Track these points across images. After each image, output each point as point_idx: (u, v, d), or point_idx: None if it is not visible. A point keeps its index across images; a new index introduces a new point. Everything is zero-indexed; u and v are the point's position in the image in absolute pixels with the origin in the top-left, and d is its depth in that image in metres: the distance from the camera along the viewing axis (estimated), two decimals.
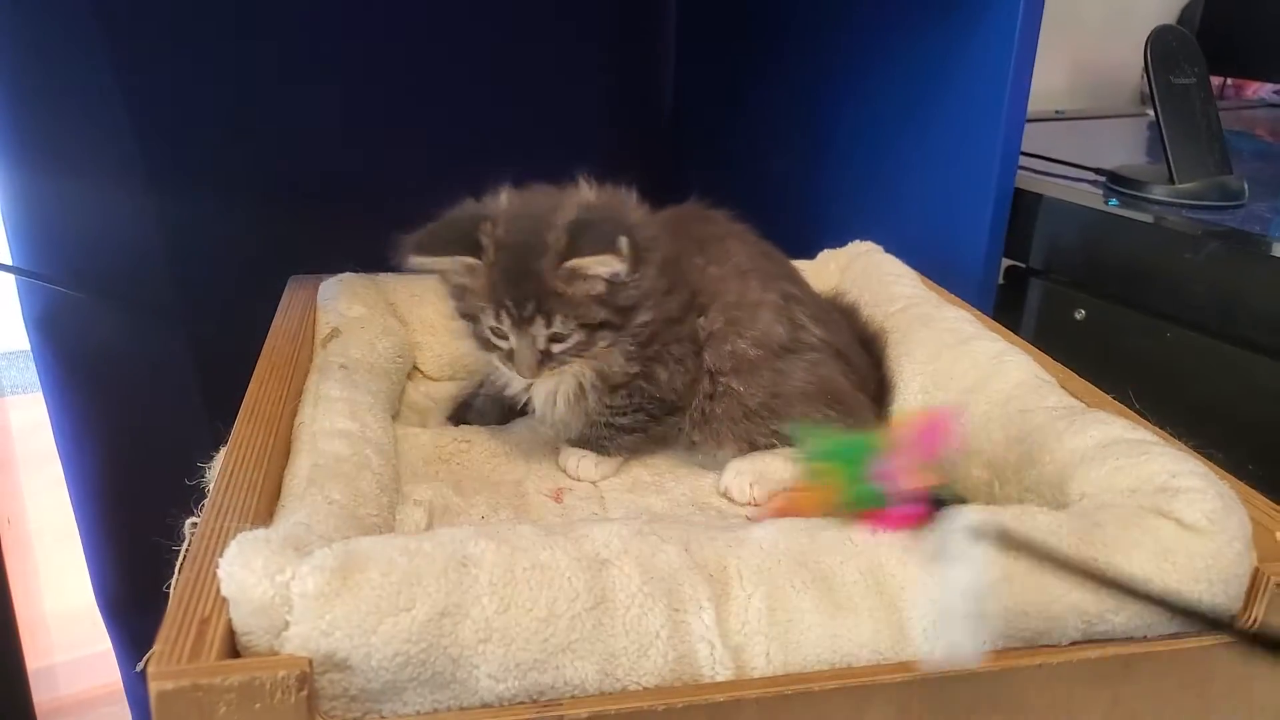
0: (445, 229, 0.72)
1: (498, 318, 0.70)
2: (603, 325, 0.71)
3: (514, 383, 0.78)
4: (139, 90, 1.12)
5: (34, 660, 1.11)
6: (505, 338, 0.71)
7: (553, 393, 0.77)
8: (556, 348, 0.71)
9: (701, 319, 0.77)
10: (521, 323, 0.70)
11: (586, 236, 0.69)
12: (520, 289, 0.69)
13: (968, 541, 0.49)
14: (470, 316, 0.73)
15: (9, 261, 1.10)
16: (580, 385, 0.76)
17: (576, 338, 0.71)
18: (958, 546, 0.49)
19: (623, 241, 0.68)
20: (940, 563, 0.50)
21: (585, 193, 0.75)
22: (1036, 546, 0.50)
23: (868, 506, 0.54)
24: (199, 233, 1.15)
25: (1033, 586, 0.51)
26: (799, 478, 0.60)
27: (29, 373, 1.19)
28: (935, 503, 0.52)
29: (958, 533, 0.49)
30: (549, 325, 0.70)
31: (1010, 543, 0.49)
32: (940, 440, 0.55)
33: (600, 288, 0.70)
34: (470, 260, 0.70)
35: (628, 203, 0.77)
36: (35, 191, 1.09)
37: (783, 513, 0.58)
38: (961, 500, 0.52)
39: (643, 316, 0.73)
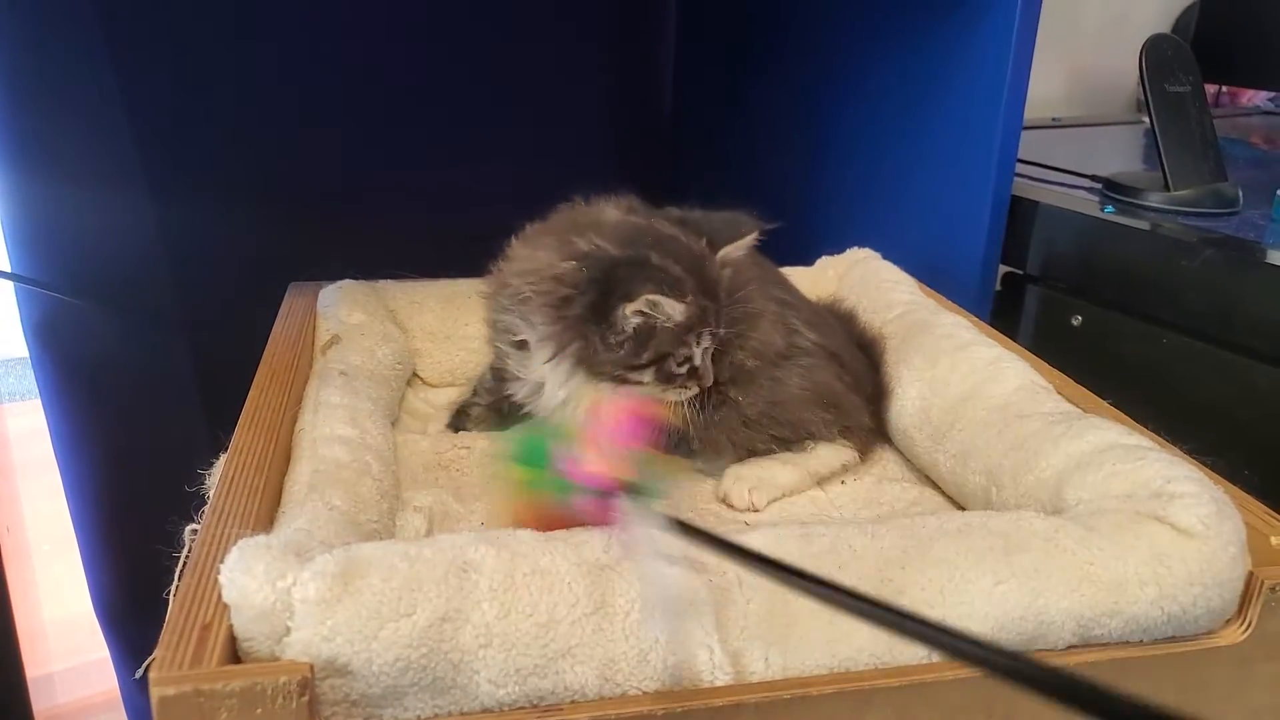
0: (647, 273, 0.67)
1: (699, 339, 0.69)
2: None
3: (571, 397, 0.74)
4: (139, 96, 1.12)
5: (32, 668, 1.11)
6: (691, 359, 0.70)
7: (572, 401, 0.74)
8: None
9: None
10: (715, 331, 0.70)
11: (715, 228, 0.71)
12: (717, 299, 0.70)
13: (651, 533, 0.48)
14: (659, 358, 0.69)
15: (8, 268, 1.10)
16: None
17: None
18: (644, 540, 0.48)
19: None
20: (636, 557, 0.49)
21: (614, 209, 0.75)
22: (710, 536, 0.48)
23: (557, 497, 0.53)
24: (198, 239, 1.16)
25: (1027, 592, 0.51)
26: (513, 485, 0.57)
27: (27, 380, 1.19)
28: (629, 493, 0.51)
29: (640, 525, 0.49)
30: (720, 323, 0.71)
31: (687, 533, 0.49)
32: (633, 431, 0.54)
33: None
34: (691, 296, 0.68)
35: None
36: (34, 198, 1.09)
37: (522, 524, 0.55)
38: (661, 492, 0.51)
39: None
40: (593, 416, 0.56)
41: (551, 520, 0.54)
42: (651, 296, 0.65)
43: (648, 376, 0.70)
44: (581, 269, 0.68)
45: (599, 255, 0.68)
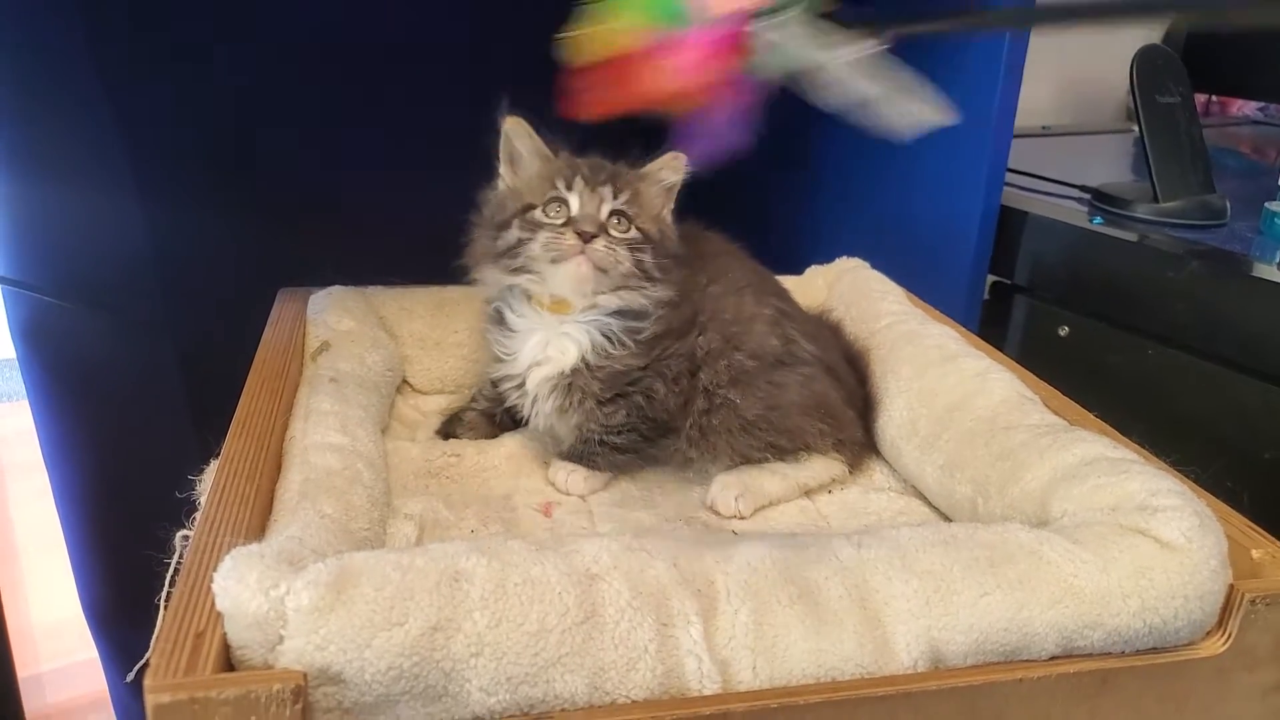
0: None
1: (569, 185, 0.75)
2: (641, 263, 0.75)
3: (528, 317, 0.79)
4: (128, 99, 1.12)
5: (21, 669, 1.11)
6: (564, 205, 0.75)
7: (551, 379, 0.77)
8: (614, 231, 0.75)
9: (700, 338, 0.78)
10: (594, 184, 0.74)
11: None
12: (598, 166, 0.77)
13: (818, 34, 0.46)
14: (528, 202, 0.76)
15: None
16: (574, 385, 0.77)
17: (629, 239, 0.75)
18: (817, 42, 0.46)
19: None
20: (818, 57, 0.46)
21: None
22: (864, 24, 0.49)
23: (672, 24, 0.48)
24: (188, 243, 1.15)
25: (1012, 603, 0.52)
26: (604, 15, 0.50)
27: (15, 382, 1.19)
28: (759, 16, 0.47)
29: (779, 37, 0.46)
30: (616, 197, 0.74)
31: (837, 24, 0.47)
32: None
33: (660, 203, 0.79)
34: (547, 151, 0.78)
35: None
36: (23, 200, 1.09)
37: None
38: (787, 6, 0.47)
39: (662, 292, 0.77)
40: None
41: (642, 59, 0.48)
42: (515, 119, 0.77)
43: (512, 235, 0.75)
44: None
45: None
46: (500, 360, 0.81)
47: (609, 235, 0.74)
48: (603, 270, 0.74)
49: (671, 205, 0.80)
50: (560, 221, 0.74)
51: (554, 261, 0.74)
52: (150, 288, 1.17)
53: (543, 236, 0.74)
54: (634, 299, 0.76)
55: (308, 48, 1.21)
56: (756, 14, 0.47)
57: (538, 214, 0.75)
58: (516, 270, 0.76)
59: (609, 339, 0.76)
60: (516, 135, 0.78)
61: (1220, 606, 0.54)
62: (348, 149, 1.24)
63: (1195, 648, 0.55)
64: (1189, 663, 0.54)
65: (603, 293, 0.75)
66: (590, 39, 0.49)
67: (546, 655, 0.47)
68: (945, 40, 1.03)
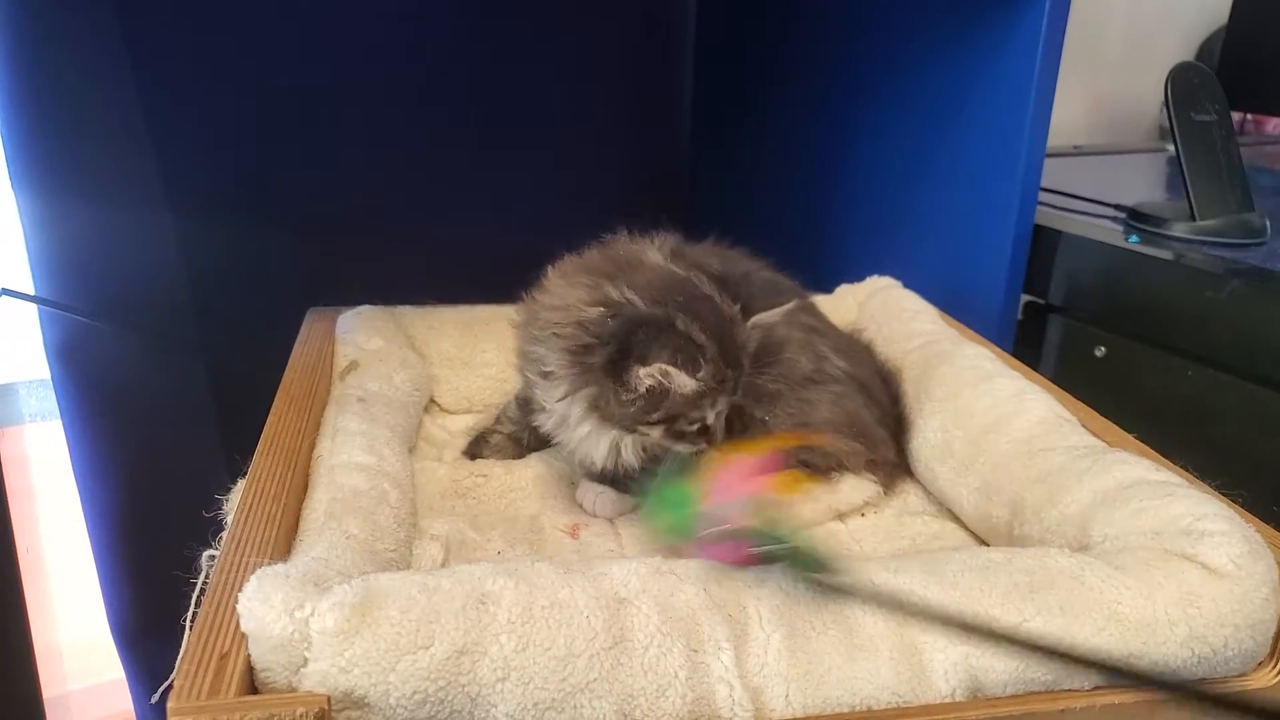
0: (665, 339, 0.65)
1: (714, 404, 0.68)
2: None
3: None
4: (162, 120, 1.13)
5: (48, 689, 1.11)
6: (704, 419, 0.69)
7: (616, 443, 0.73)
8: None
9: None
10: (730, 396, 0.69)
11: (749, 291, 0.70)
12: (740, 366, 0.69)
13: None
14: (670, 418, 0.68)
15: (31, 290, 1.11)
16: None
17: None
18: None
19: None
20: None
21: (657, 251, 0.73)
22: (854, 588, 0.51)
23: (685, 536, 0.54)
24: (219, 263, 1.16)
25: (1053, 630, 0.51)
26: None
27: (49, 401, 1.20)
28: (752, 540, 0.52)
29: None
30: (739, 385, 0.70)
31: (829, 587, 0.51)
32: (751, 483, 0.55)
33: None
34: (708, 367, 0.66)
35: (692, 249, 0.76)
36: (58, 220, 1.10)
37: None
38: (780, 540, 0.52)
39: None
40: (713, 470, 0.58)
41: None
42: (666, 366, 0.65)
43: (657, 433, 0.69)
44: (607, 319, 0.67)
45: (626, 308, 0.67)
46: (545, 410, 0.75)
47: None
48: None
49: None
50: (695, 429, 0.69)
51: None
52: (182, 306, 1.18)
53: (682, 444, 0.70)
54: None
55: (342, 67, 1.22)
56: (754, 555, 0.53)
57: (680, 425, 0.68)
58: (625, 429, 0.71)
59: None
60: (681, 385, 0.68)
61: (1272, 636, 0.53)
62: (379, 169, 1.25)
63: (1246, 679, 0.53)
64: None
65: None
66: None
67: (574, 681, 0.46)
68: (978, 58, 1.03)
